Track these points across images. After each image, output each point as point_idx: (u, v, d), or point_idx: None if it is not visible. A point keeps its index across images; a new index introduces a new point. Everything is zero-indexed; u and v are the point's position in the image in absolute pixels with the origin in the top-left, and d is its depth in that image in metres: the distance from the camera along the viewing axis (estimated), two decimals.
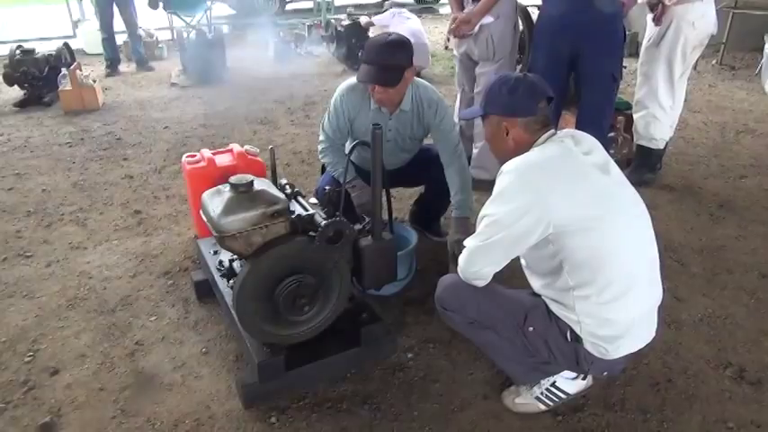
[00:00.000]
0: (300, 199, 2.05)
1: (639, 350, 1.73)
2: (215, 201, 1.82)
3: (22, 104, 5.28)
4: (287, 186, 2.07)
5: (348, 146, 2.75)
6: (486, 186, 3.40)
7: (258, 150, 2.74)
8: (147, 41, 7.13)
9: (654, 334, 1.76)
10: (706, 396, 1.99)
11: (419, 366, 2.13)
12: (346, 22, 7.03)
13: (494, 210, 1.63)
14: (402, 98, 2.43)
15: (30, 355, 2.19)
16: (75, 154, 4.20)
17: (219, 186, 1.89)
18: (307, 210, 1.94)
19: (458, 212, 2.51)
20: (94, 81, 5.32)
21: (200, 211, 1.90)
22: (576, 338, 1.68)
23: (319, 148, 2.62)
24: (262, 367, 1.90)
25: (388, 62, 2.30)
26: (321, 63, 7.11)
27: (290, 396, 1.98)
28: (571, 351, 1.71)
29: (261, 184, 1.87)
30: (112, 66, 6.56)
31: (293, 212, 1.88)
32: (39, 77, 5.30)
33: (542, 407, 1.89)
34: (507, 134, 1.73)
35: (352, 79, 2.49)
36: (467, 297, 1.81)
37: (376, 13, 6.87)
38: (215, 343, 2.26)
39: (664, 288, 2.50)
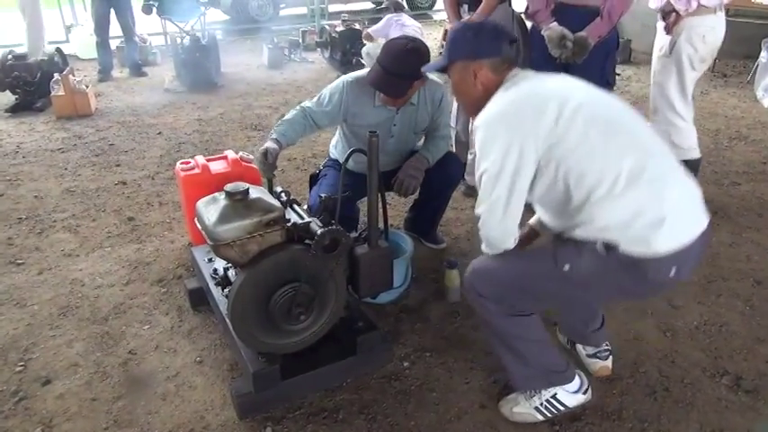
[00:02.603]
0: (296, 207, 2.04)
1: (700, 242, 1.56)
2: (210, 209, 1.80)
3: (13, 110, 5.24)
4: (282, 194, 2.06)
5: (337, 144, 2.74)
6: None
7: (253, 157, 2.73)
8: (140, 47, 7.11)
9: (705, 222, 1.58)
10: (703, 404, 1.98)
11: (415, 375, 2.12)
12: (341, 28, 7.03)
13: (482, 166, 1.63)
14: (409, 99, 2.44)
15: (21, 365, 2.17)
16: (67, 160, 4.17)
17: (215, 194, 1.87)
18: (303, 218, 1.93)
19: (421, 152, 2.55)
20: (87, 86, 5.29)
21: (196, 220, 1.88)
22: (613, 247, 1.54)
23: (285, 116, 2.48)
24: (257, 377, 1.88)
25: (399, 72, 2.30)
26: (315, 69, 7.10)
27: (286, 406, 1.97)
28: (616, 267, 1.56)
29: (256, 192, 1.85)
30: (105, 71, 6.53)
31: (289, 221, 1.86)
32: (31, 83, 5.26)
33: (540, 417, 1.88)
34: (475, 78, 1.73)
35: (360, 73, 2.48)
36: (495, 267, 1.76)
37: (371, 20, 6.87)
38: (209, 352, 2.24)
39: (659, 297, 2.53)
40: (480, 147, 1.64)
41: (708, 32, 3.20)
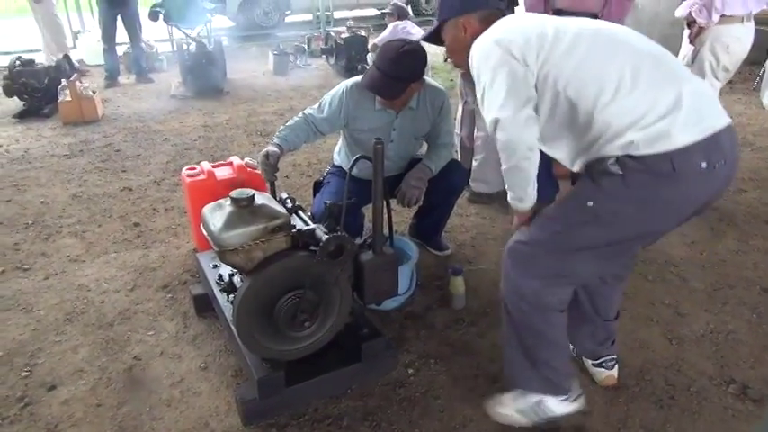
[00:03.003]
0: (301, 213, 2.05)
1: (727, 138, 1.49)
2: (216, 215, 1.81)
3: (21, 116, 5.29)
4: (288, 200, 2.07)
5: (340, 151, 2.75)
6: (485, 200, 3.43)
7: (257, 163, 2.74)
8: (147, 53, 7.16)
9: (725, 119, 1.52)
10: (709, 413, 1.97)
11: (420, 382, 2.11)
12: (346, 35, 7.07)
13: (483, 81, 1.59)
14: (408, 102, 2.45)
15: (27, 370, 2.17)
16: (74, 166, 4.19)
17: (220, 201, 1.88)
18: (308, 224, 1.94)
19: (424, 162, 2.53)
20: (94, 92, 5.32)
21: (201, 226, 1.89)
22: (629, 161, 1.46)
23: (287, 123, 2.49)
24: (261, 383, 1.88)
25: (394, 74, 2.31)
26: (320, 75, 7.14)
27: (290, 412, 1.96)
28: (639, 182, 1.47)
29: (262, 198, 1.86)
30: (112, 77, 6.57)
31: (294, 227, 1.87)
32: (38, 89, 5.32)
33: (523, 421, 1.85)
34: (465, 32, 1.75)
35: (361, 77, 2.49)
36: (531, 234, 1.69)
37: (376, 26, 6.89)
38: (214, 358, 2.24)
39: (665, 303, 2.52)
40: (476, 73, 1.63)
41: (732, 42, 3.17)
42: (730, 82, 6.26)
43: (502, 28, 1.64)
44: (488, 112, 1.59)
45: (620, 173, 1.48)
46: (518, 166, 1.60)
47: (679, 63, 1.62)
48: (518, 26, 1.63)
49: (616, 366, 2.09)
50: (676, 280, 2.73)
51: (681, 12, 3.26)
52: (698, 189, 1.52)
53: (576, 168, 1.67)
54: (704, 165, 1.45)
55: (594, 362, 2.09)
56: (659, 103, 1.46)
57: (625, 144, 1.47)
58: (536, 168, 1.61)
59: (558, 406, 1.83)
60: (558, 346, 1.81)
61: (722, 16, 3.09)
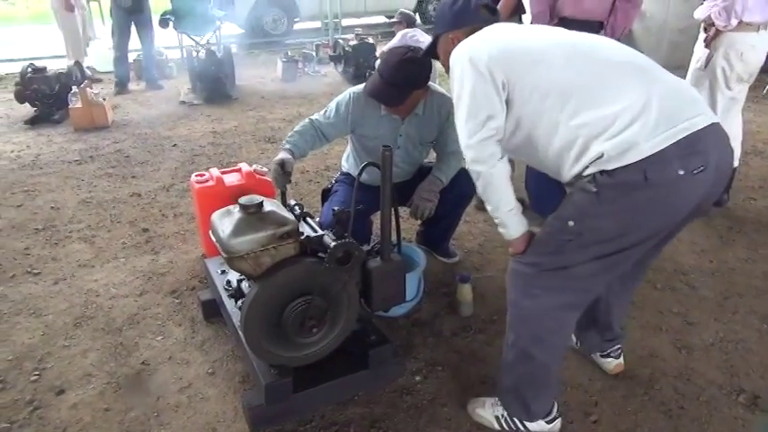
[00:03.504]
0: (309, 220, 2.05)
1: (711, 138, 1.45)
2: (224, 222, 1.82)
3: (32, 122, 5.34)
4: (296, 207, 2.07)
5: (348, 157, 2.75)
6: None
7: (267, 170, 2.75)
8: (157, 60, 7.22)
9: (706, 117, 1.47)
10: (719, 423, 1.95)
11: (427, 390, 2.11)
12: (354, 42, 7.09)
13: (454, 93, 1.68)
14: (413, 109, 2.45)
15: (36, 374, 2.19)
16: (84, 171, 4.23)
17: (229, 207, 1.89)
18: (316, 231, 1.94)
19: (434, 174, 2.54)
20: (104, 99, 5.37)
21: (210, 232, 1.90)
22: (602, 177, 1.45)
23: (295, 128, 2.51)
24: (269, 389, 1.88)
25: (396, 81, 2.31)
26: (329, 83, 7.16)
27: (297, 419, 1.96)
28: (614, 195, 1.46)
29: (270, 205, 1.87)
30: (122, 84, 6.63)
31: (302, 234, 1.87)
32: (49, 95, 5.37)
33: (497, 427, 1.89)
34: (453, 45, 1.78)
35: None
36: (522, 261, 1.70)
37: (384, 34, 6.90)
38: (221, 363, 2.24)
39: (674, 312, 2.50)
40: (451, 83, 1.70)
41: (747, 51, 3.13)
42: None
43: (477, 40, 1.69)
44: (458, 132, 1.69)
45: (594, 190, 1.47)
46: (485, 178, 1.65)
47: (654, 66, 1.58)
48: (491, 39, 1.67)
49: (622, 355, 2.13)
50: (685, 288, 2.71)
51: (700, 14, 3.22)
52: (678, 196, 1.47)
53: (562, 180, 1.65)
54: (681, 172, 1.42)
55: (602, 353, 2.12)
56: (626, 110, 1.44)
57: (595, 156, 1.46)
58: (505, 181, 1.65)
59: (532, 424, 1.85)
60: (546, 380, 1.81)
61: (740, 22, 3.05)
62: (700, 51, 3.30)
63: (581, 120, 1.49)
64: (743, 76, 3.22)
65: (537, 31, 1.75)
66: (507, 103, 1.60)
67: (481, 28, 1.75)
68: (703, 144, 1.44)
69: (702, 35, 3.27)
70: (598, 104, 1.48)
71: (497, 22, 1.83)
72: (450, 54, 1.76)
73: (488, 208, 1.72)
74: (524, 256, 1.69)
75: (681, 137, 1.42)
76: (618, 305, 2.02)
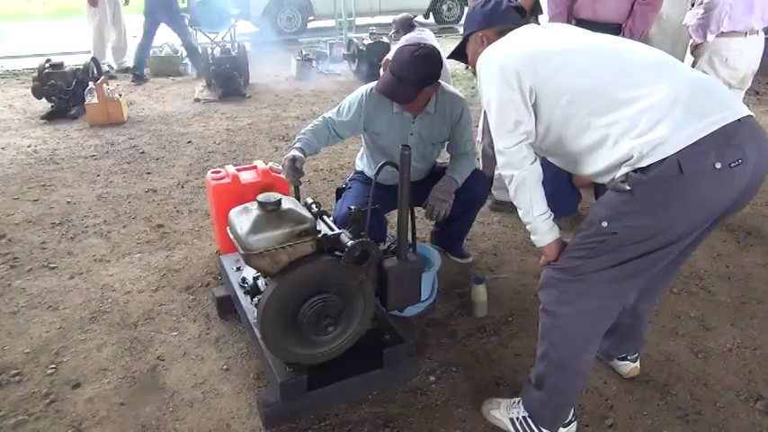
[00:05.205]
0: (326, 218, 2.05)
1: (748, 130, 1.42)
2: (242, 219, 1.82)
3: (49, 117, 5.38)
4: (313, 205, 2.07)
5: (362, 156, 2.75)
6: (508, 208, 3.41)
7: (281, 167, 2.75)
8: (172, 57, 7.26)
9: (739, 110, 1.43)
10: (736, 430, 1.93)
11: (441, 390, 2.10)
12: (368, 41, 7.09)
13: (484, 98, 1.71)
14: (425, 105, 2.45)
15: (52, 367, 2.20)
16: (99, 167, 4.26)
17: (247, 204, 1.89)
18: (332, 229, 1.94)
19: (449, 174, 2.53)
20: (120, 95, 5.40)
21: (228, 229, 1.90)
22: (634, 175, 1.44)
23: (308, 126, 2.51)
24: (284, 386, 1.88)
25: (407, 77, 2.31)
26: (342, 81, 7.16)
27: (311, 417, 1.96)
28: (649, 193, 1.43)
29: (288, 202, 1.87)
30: (139, 69, 6.69)
31: (320, 232, 1.87)
32: (66, 91, 5.40)
33: (511, 429, 1.87)
34: (483, 45, 1.81)
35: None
36: (556, 267, 1.68)
37: (396, 32, 6.81)
38: (236, 360, 2.25)
39: (690, 316, 2.48)
40: (479, 88, 1.74)
41: (734, 56, 3.10)
42: (757, 93, 6.20)
43: (506, 45, 1.70)
44: (492, 137, 1.71)
45: (628, 188, 1.45)
46: (517, 181, 1.66)
47: (680, 63, 1.60)
48: (519, 45, 1.68)
49: (639, 359, 2.12)
50: (702, 293, 2.68)
51: (687, 20, 3.23)
52: (715, 190, 1.43)
53: (597, 180, 1.64)
54: (718, 165, 1.37)
55: (618, 356, 2.12)
56: (654, 107, 1.43)
57: (627, 154, 1.44)
58: (537, 185, 1.66)
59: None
60: (576, 390, 1.82)
61: (721, 33, 3.05)
62: (689, 58, 3.30)
63: (610, 118, 1.48)
64: (730, 81, 3.19)
65: (564, 33, 1.73)
66: (535, 107, 1.61)
67: (511, 29, 1.76)
68: (738, 137, 1.40)
69: (691, 40, 3.27)
70: (627, 103, 1.47)
71: (526, 24, 1.83)
72: (478, 54, 1.76)
73: (520, 213, 1.72)
74: (559, 263, 1.68)
75: (714, 128, 1.38)
76: (647, 310, 2.00)
